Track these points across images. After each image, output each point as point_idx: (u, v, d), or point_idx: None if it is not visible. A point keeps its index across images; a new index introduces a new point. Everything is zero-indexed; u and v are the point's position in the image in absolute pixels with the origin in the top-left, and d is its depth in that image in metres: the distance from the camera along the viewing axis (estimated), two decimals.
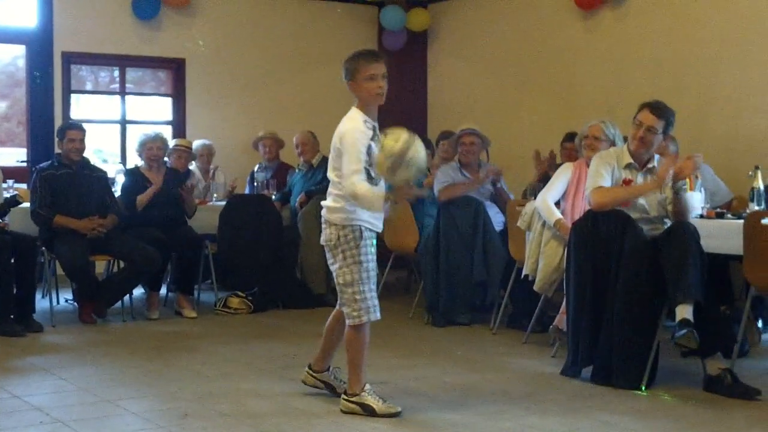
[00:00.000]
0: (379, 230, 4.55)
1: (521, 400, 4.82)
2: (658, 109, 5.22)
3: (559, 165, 6.56)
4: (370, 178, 4.37)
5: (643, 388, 4.97)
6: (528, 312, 6.33)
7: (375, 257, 4.53)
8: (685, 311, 4.81)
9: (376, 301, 4.49)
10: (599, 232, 5.13)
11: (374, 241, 4.55)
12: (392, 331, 6.71)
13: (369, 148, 4.38)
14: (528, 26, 9.46)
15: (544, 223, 5.97)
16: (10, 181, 7.19)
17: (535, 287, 5.98)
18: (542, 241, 5.97)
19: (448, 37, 10.39)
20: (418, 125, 10.29)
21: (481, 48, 10.00)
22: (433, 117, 10.52)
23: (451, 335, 6.56)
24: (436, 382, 5.22)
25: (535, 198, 6.22)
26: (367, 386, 4.53)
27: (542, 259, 5.93)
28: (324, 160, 8.07)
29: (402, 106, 10.37)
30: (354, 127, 4.41)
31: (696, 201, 5.69)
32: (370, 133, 4.42)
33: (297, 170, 8.49)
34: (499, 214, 7.06)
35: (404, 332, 6.71)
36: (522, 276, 6.19)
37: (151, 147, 7.45)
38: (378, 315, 4.49)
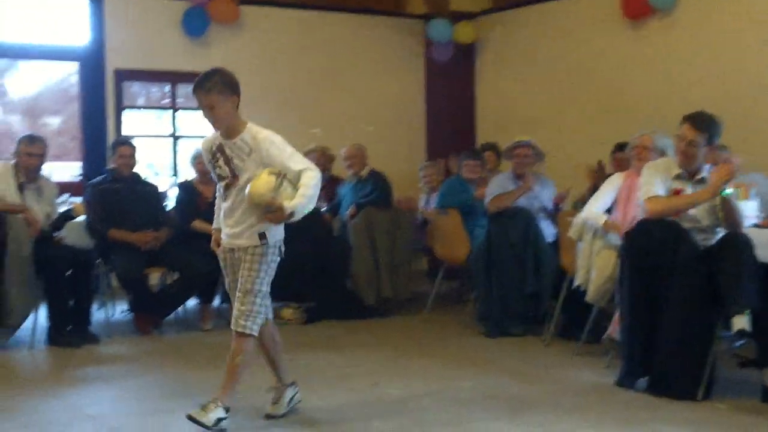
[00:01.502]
0: (228, 246, 4.69)
1: (574, 411, 4.80)
2: (700, 122, 5.16)
3: (609, 175, 6.53)
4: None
5: (700, 398, 4.93)
6: (580, 323, 6.30)
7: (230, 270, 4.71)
8: (741, 321, 4.77)
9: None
10: (652, 242, 5.10)
11: (236, 254, 4.69)
12: (445, 342, 6.72)
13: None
14: (575, 37, 9.45)
15: (594, 234, 5.95)
16: (66, 195, 7.31)
17: (587, 298, 5.94)
18: (593, 251, 5.95)
19: (496, 49, 10.40)
20: (466, 137, 10.32)
21: (528, 59, 10.00)
22: (481, 129, 10.51)
23: (504, 346, 6.55)
24: (488, 392, 5.22)
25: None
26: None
27: (594, 269, 5.91)
28: (372, 173, 8.13)
29: (450, 118, 10.42)
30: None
31: (750, 210, 5.64)
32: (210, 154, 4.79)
33: (346, 182, 8.54)
34: (550, 225, 7.04)
35: (457, 342, 6.71)
36: (573, 287, 6.17)
37: (203, 161, 7.54)
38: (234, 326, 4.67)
